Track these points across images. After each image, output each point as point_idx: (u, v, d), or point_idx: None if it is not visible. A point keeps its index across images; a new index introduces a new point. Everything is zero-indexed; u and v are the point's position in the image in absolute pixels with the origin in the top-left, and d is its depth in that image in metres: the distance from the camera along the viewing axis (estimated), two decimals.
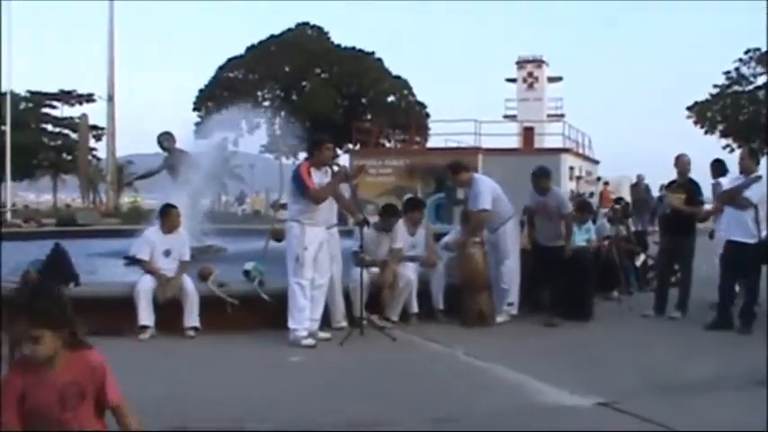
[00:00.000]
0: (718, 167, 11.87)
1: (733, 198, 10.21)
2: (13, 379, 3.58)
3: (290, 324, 8.99)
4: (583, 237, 12.51)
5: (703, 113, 51.23)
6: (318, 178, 9.14)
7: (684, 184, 11.21)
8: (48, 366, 3.58)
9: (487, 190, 10.66)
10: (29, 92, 64.96)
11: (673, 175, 11.45)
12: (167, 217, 10.15)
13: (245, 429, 5.98)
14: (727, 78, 50.81)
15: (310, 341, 8.93)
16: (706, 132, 51.23)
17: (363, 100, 60.05)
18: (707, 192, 11.47)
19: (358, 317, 9.63)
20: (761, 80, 49.89)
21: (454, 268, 10.83)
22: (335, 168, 9.43)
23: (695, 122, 51.70)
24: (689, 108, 52.14)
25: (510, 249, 10.80)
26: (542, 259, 11.05)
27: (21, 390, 3.56)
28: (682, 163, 11.33)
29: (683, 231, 11.19)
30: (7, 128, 40.50)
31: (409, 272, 10.33)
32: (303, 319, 8.99)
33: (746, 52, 49.90)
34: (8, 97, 40.84)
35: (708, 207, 11.62)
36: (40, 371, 3.58)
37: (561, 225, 10.96)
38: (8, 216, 32.39)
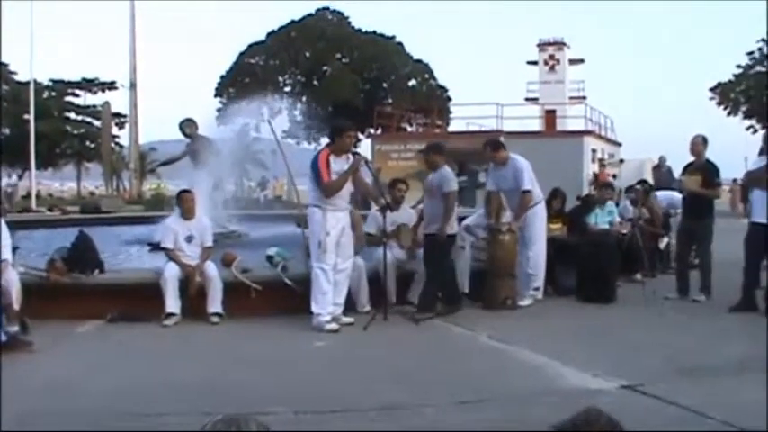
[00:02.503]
0: None
1: (757, 180, 10.15)
2: None
3: (314, 309, 9.02)
4: (605, 219, 12.49)
5: (726, 94, 50.82)
6: (338, 166, 9.13)
7: (701, 166, 11.12)
8: None
9: (529, 170, 10.65)
10: (51, 81, 65.13)
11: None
12: (182, 202, 10.19)
13: (270, 414, 6.01)
14: (751, 59, 50.32)
15: (334, 326, 8.96)
16: (729, 113, 50.83)
17: (384, 84, 59.86)
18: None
19: (381, 301, 9.65)
20: None
21: (479, 252, 10.83)
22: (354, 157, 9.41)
23: (718, 103, 51.28)
24: (712, 89, 51.74)
25: (538, 234, 10.79)
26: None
27: None
28: (695, 144, 11.23)
29: (700, 214, 11.13)
30: (31, 117, 40.63)
31: None
32: (326, 303, 9.02)
33: None
34: (31, 86, 40.92)
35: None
36: None
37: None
38: (33, 204, 32.58)
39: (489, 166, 11.19)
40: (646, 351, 8.04)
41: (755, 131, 47.11)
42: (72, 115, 66.64)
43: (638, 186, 14.94)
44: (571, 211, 12.53)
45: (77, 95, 67.71)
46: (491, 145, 11.03)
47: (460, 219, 11.47)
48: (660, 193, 14.81)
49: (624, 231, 12.54)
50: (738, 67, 50.64)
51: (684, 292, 11.10)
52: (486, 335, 8.78)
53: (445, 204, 9.93)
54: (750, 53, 50.22)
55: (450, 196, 9.98)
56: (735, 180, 27.67)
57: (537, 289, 10.74)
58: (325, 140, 10.03)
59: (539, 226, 10.82)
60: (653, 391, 6.43)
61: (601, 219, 12.42)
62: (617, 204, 13.90)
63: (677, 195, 12.75)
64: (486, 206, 11.03)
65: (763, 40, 49.40)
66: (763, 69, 49.62)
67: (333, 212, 9.09)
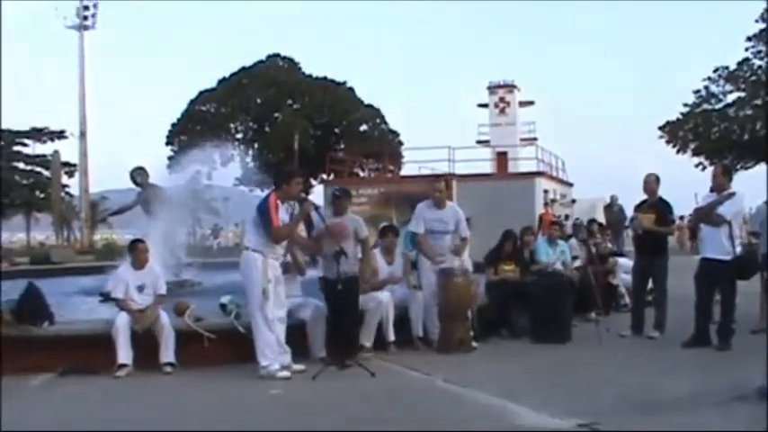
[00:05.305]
0: None
1: (707, 215, 10.27)
2: None
3: (261, 361, 8.87)
4: (557, 258, 12.57)
5: (675, 133, 51.43)
6: (282, 212, 9.08)
7: (654, 204, 11.27)
8: None
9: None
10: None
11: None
12: (135, 252, 10.10)
13: None
14: (698, 97, 51.11)
15: (286, 373, 8.84)
16: (678, 151, 51.45)
17: (336, 130, 60.04)
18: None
19: (334, 351, 9.52)
20: (730, 98, 50.27)
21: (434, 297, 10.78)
22: (302, 203, 9.28)
23: (667, 142, 51.87)
24: (661, 128, 52.38)
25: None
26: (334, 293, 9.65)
27: None
28: (648, 183, 11.40)
29: (655, 251, 11.26)
30: None
31: (383, 296, 10.24)
32: (272, 352, 8.91)
33: (715, 71, 50.28)
34: None
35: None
36: None
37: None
38: None
39: (419, 207, 11.17)
40: (601, 389, 8.07)
41: (704, 168, 47.77)
42: (21, 165, 65.92)
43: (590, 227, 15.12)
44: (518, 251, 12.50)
45: (26, 145, 66.97)
46: (447, 181, 11.19)
47: (416, 263, 11.45)
48: (621, 260, 14.97)
49: (575, 269, 12.64)
50: (685, 105, 51.40)
51: (639, 329, 11.18)
52: (441, 378, 8.75)
53: (364, 248, 10.27)
54: (696, 92, 51.04)
55: (368, 241, 10.32)
56: (682, 217, 27.89)
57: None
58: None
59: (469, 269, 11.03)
60: (609, 429, 6.44)
61: (553, 257, 12.49)
62: (568, 238, 14.08)
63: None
64: (425, 249, 10.91)
65: (708, 78, 50.36)
66: (710, 107, 50.48)
67: (272, 260, 9.01)
